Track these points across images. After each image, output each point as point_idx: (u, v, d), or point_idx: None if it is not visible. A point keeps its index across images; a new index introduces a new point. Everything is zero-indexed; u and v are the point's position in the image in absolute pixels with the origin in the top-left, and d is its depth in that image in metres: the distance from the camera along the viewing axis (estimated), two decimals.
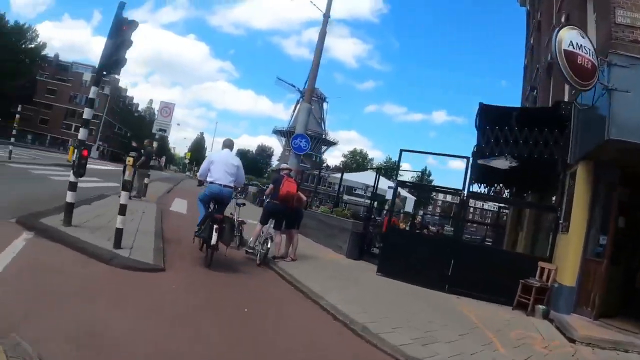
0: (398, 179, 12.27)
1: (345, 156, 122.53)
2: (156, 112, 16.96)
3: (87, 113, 8.19)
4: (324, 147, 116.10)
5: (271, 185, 10.12)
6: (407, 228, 14.95)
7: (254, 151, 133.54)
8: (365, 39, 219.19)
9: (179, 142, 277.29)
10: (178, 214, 14.52)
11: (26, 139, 65.62)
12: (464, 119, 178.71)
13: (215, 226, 7.51)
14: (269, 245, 9.07)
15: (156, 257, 7.07)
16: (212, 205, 8.33)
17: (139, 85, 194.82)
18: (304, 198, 10.99)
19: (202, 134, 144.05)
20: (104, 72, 8.29)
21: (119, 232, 7.07)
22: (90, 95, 8.21)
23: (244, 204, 11.38)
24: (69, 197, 7.98)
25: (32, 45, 67.89)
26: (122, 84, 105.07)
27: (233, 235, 8.43)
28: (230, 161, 8.33)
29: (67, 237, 7.10)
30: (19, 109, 20.95)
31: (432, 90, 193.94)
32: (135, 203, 13.66)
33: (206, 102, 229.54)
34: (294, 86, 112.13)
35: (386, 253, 10.85)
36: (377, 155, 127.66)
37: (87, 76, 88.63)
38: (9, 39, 59.54)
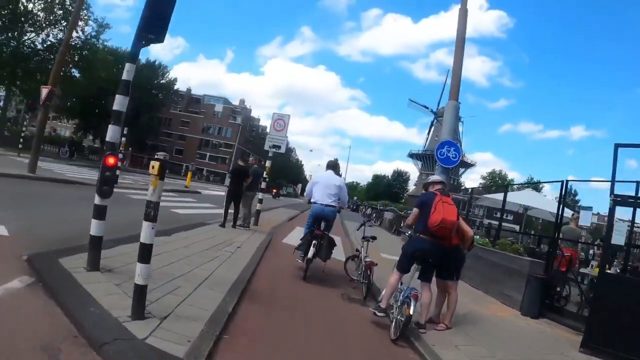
0: (615, 193, 6.61)
1: (483, 178, 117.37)
2: (268, 127, 13.84)
3: (118, 102, 5.43)
4: (461, 170, 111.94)
5: (415, 210, 6.11)
6: (615, 270, 10.00)
7: (389, 176, 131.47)
8: (493, 56, 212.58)
9: (314, 169, 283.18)
10: (290, 247, 11.41)
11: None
12: (603, 132, 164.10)
13: (313, 241, 7.73)
14: (411, 311, 5.20)
15: (198, 344, 3.75)
16: (320, 224, 8.33)
17: None
18: (471, 232, 6.59)
19: (336, 159, 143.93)
20: (144, 42, 5.29)
21: (138, 292, 3.96)
22: (124, 77, 5.41)
23: (374, 238, 8.13)
24: (94, 228, 5.22)
25: (164, 81, 72.09)
26: (255, 114, 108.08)
27: (331, 252, 8.08)
28: (332, 182, 8.39)
29: (74, 290, 4.40)
30: (124, 131, 19.06)
31: (568, 104, 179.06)
32: (238, 233, 11.17)
33: (339, 130, 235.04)
34: (426, 107, 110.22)
35: (598, 316, 6.42)
36: (515, 177, 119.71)
37: (219, 107, 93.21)
38: (142, 76, 62.95)
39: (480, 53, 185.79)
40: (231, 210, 12.21)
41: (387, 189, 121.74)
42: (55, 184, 15.00)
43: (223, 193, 31.19)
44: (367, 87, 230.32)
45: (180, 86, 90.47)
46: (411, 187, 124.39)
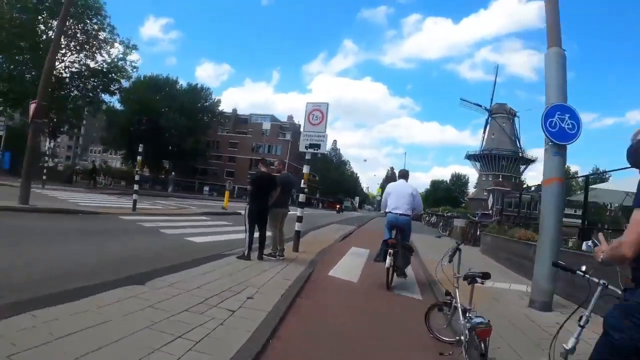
0: None
1: None
2: (302, 122, 10.15)
3: None
4: (522, 167, 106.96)
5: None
6: None
7: (447, 181, 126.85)
8: (539, 48, 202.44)
9: (370, 181, 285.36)
10: (340, 284, 7.93)
11: (203, 191, 68.59)
12: None
13: (390, 250, 7.60)
14: None
15: None
16: (393, 233, 8.20)
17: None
18: None
19: (392, 168, 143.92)
20: None
21: None
22: None
23: (486, 276, 4.24)
24: None
25: (208, 103, 71.26)
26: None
27: (408, 259, 8.10)
28: (405, 191, 8.34)
29: None
30: (140, 149, 16.02)
31: (621, 89, 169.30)
32: (262, 269, 7.90)
33: (391, 140, 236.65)
34: (480, 105, 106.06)
35: None
36: (577, 170, 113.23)
37: (267, 125, 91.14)
38: (186, 99, 62.35)
39: (525, 47, 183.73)
40: (257, 235, 8.89)
41: (446, 194, 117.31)
42: (46, 215, 12.25)
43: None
44: (416, 94, 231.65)
45: (228, 109, 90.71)
46: (471, 189, 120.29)
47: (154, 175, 63.39)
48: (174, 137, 60.43)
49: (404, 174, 8.85)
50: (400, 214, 8.16)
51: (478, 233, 18.93)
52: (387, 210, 8.35)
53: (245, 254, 8.45)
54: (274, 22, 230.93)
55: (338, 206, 66.18)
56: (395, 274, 7.82)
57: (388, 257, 7.59)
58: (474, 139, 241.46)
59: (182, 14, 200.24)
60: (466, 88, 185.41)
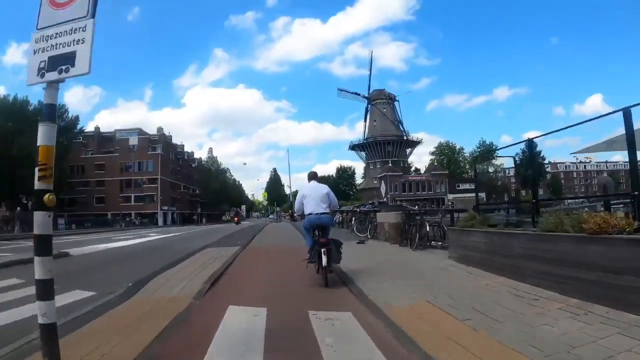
0: None
1: (432, 153, 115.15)
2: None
3: None
4: (408, 150, 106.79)
5: None
6: None
7: (333, 175, 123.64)
8: (407, 39, 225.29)
9: (255, 187, 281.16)
10: None
11: (57, 225, 50.75)
12: (527, 88, 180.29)
13: (322, 249, 7.79)
14: None
15: None
16: (317, 232, 8.21)
17: (205, 146, 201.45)
18: None
19: (274, 170, 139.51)
20: None
21: None
22: None
23: None
24: None
25: (63, 123, 61.28)
26: (183, 145, 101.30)
27: (340, 254, 8.25)
28: (320, 191, 8.51)
29: None
30: None
31: (487, 68, 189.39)
32: None
33: (273, 144, 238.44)
34: (358, 94, 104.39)
35: None
36: (460, 146, 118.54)
37: (134, 140, 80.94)
38: (34, 122, 52.10)
39: (393, 39, 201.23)
40: None
41: (333, 189, 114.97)
42: None
43: (125, 243, 20.65)
44: (291, 96, 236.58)
45: (89, 127, 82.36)
46: (359, 180, 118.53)
47: (11, 214, 52.60)
48: (29, 167, 50.32)
49: (314, 175, 9.00)
50: (322, 213, 8.24)
51: (427, 229, 12.31)
52: (306, 212, 8.37)
53: None
54: (141, 37, 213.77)
55: (236, 218, 63.25)
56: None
57: (323, 256, 7.68)
58: (352, 133, 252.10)
59: None
60: (340, 84, 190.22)
